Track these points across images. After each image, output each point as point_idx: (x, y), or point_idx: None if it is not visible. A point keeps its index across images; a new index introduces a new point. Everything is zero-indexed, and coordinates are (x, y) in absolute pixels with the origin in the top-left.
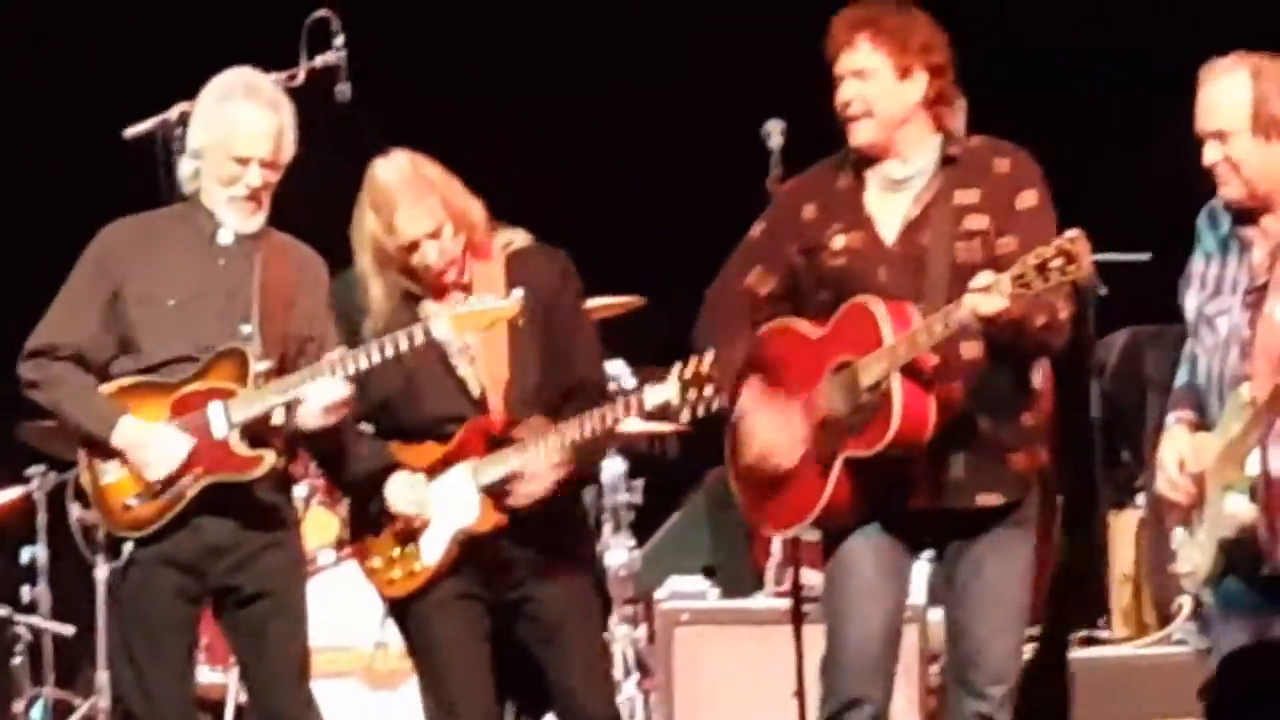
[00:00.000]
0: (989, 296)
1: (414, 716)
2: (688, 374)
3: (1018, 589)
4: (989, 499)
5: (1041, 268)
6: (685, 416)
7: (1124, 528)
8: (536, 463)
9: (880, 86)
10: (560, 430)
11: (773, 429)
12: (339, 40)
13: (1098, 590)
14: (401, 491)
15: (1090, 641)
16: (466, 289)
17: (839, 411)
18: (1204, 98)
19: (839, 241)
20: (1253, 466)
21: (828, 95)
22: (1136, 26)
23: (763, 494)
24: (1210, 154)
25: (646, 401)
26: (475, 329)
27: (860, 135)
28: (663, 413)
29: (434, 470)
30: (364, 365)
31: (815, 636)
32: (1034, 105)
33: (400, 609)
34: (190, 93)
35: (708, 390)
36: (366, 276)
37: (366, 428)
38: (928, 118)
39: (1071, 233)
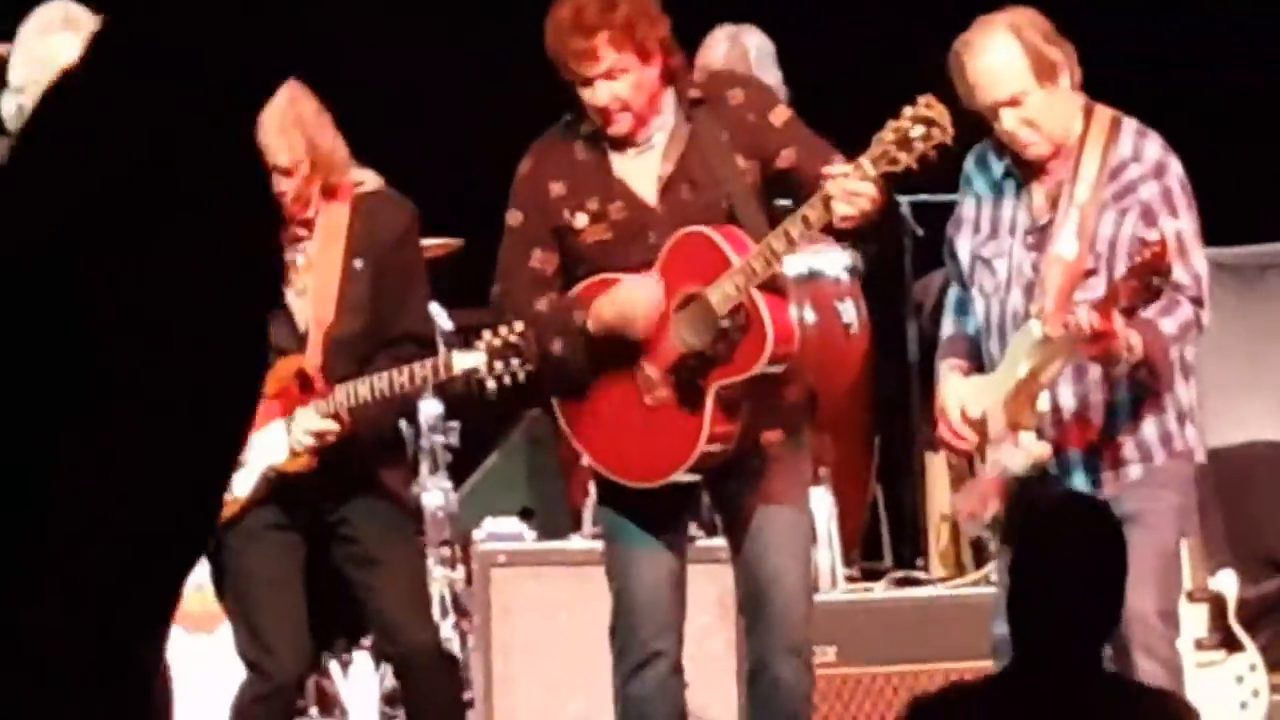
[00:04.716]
0: (858, 181)
1: (232, 659)
2: (496, 342)
3: (804, 516)
4: (772, 436)
5: (903, 141)
6: (491, 386)
7: (941, 469)
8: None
9: (631, 80)
10: (366, 381)
11: (636, 293)
12: None
13: (915, 532)
14: None
15: (907, 582)
16: (308, 225)
17: (698, 345)
18: (980, 73)
19: (598, 214)
20: (1044, 403)
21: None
22: None
23: (624, 448)
24: (1009, 122)
25: (454, 366)
26: None
27: (622, 127)
28: (467, 380)
29: None
30: None
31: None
32: None
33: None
34: (8, 35)
35: (515, 361)
36: None
37: None
38: (664, 80)
39: (924, 98)
